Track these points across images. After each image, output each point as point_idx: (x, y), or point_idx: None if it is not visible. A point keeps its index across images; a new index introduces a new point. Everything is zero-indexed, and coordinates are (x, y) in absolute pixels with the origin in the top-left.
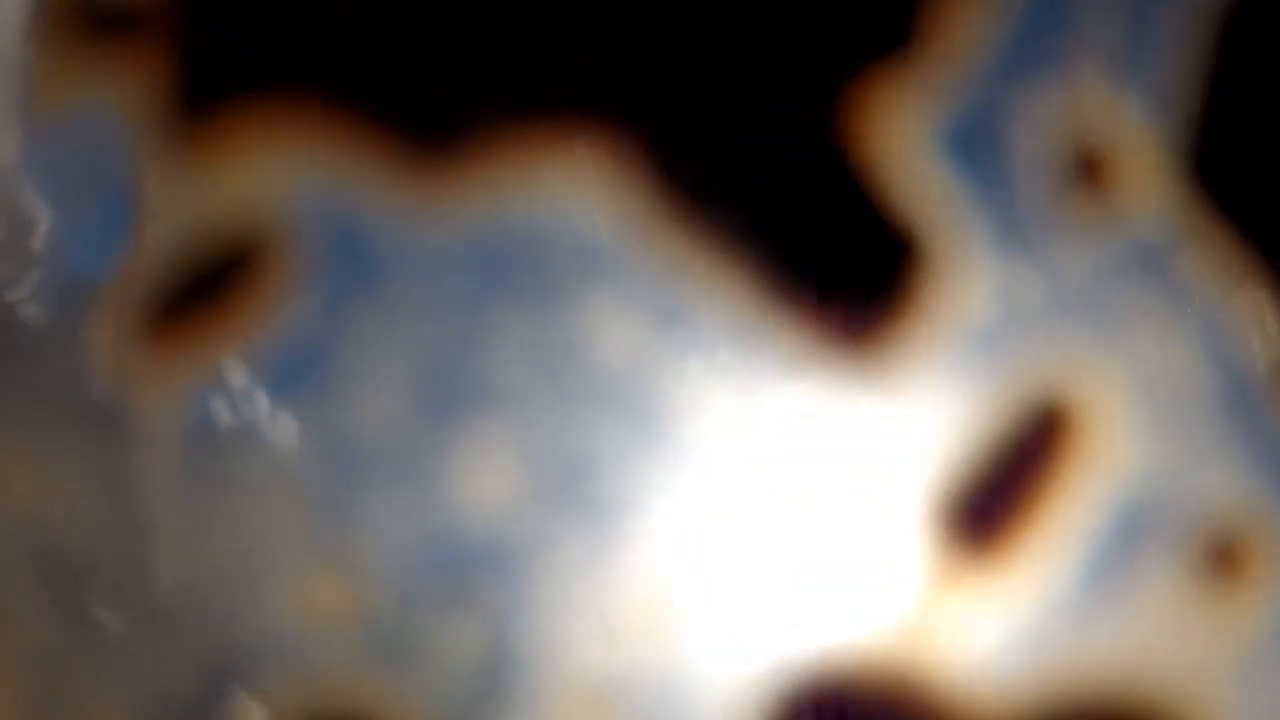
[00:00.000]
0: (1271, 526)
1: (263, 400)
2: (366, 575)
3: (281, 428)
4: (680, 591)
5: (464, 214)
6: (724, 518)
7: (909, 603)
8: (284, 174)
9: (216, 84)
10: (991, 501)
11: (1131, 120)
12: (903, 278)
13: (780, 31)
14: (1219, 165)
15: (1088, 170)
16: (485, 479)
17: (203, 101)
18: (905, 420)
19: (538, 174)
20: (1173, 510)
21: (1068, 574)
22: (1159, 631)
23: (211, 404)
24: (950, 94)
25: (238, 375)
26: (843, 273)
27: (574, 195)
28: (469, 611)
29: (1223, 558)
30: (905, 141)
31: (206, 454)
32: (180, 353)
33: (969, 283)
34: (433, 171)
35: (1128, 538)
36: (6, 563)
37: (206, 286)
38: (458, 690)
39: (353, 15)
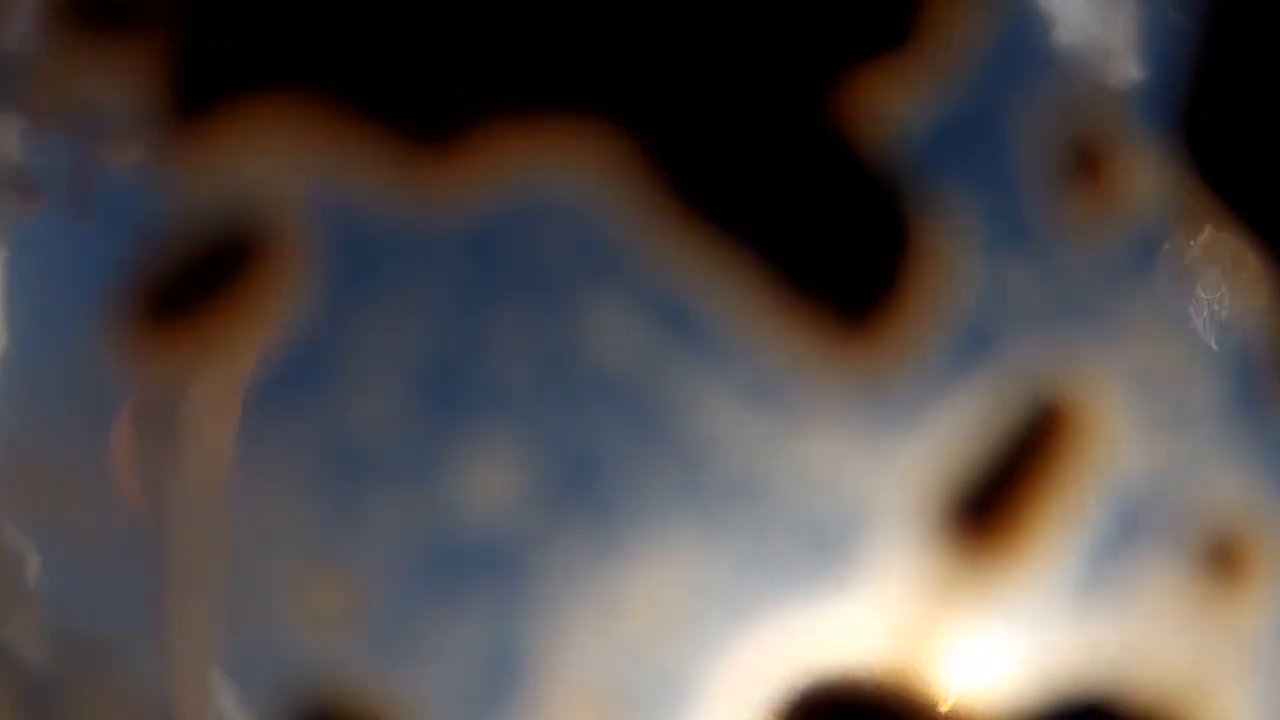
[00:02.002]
0: (1271, 526)
1: (262, 399)
2: (366, 575)
3: (281, 427)
4: (679, 592)
5: (464, 213)
6: (723, 518)
7: (909, 603)
8: (284, 173)
9: (215, 83)
10: (990, 502)
11: (1131, 118)
12: (901, 275)
13: (779, 31)
14: (1218, 164)
15: (1086, 168)
16: (485, 479)
17: (202, 100)
18: (904, 420)
19: (538, 173)
20: (1172, 510)
21: (1067, 574)
22: (1159, 631)
23: (212, 403)
24: (948, 92)
25: (238, 374)
26: (842, 271)
27: (574, 195)
28: (469, 611)
29: (1223, 558)
30: (904, 140)
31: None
32: (181, 350)
33: (967, 281)
34: (433, 171)
35: (1127, 538)
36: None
37: (207, 285)
38: (458, 690)
39: (351, 15)
